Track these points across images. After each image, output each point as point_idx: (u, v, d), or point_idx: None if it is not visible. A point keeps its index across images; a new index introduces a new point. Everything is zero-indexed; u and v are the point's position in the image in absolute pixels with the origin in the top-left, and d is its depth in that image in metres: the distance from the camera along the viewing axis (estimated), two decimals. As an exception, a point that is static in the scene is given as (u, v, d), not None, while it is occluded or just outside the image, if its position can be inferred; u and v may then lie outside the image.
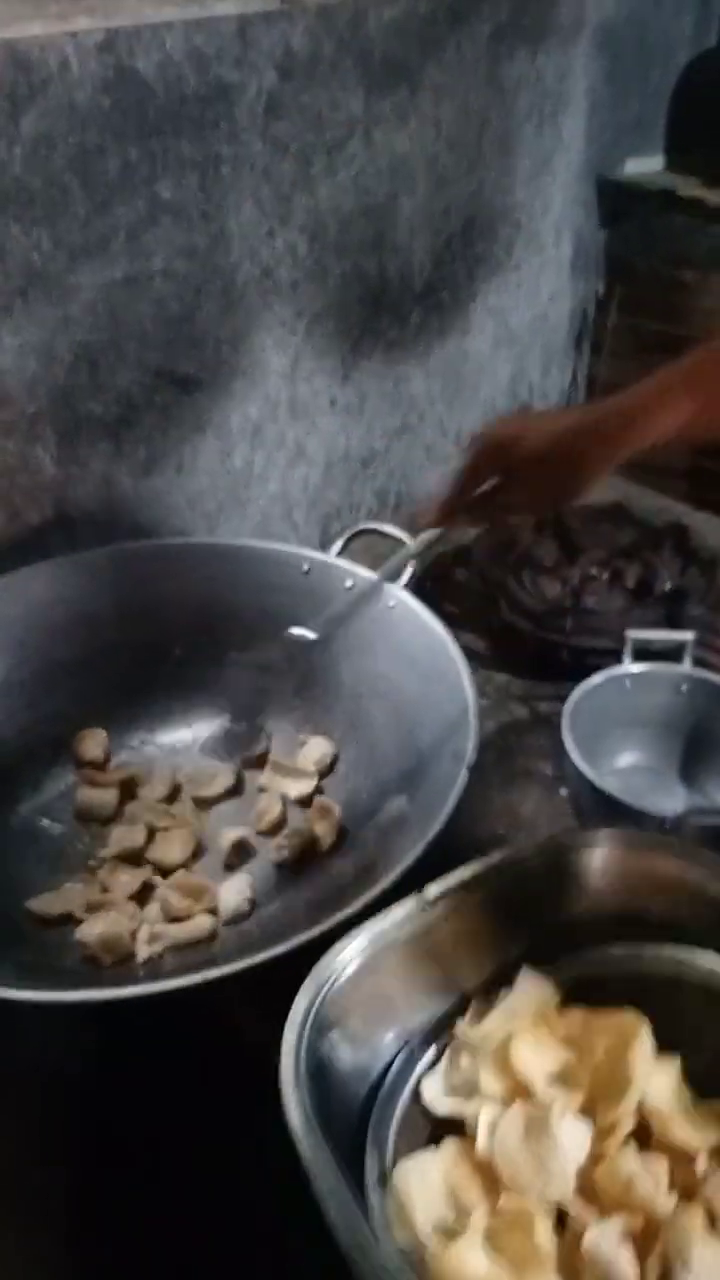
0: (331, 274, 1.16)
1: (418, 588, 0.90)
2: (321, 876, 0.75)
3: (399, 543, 0.90)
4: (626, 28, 1.43)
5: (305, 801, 0.82)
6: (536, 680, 1.07)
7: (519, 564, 1.17)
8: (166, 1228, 0.59)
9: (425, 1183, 0.47)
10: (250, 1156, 0.57)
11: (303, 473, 1.25)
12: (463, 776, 0.66)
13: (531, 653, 1.08)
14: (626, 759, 0.98)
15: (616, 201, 1.51)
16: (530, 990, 0.55)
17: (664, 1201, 0.45)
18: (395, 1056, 0.54)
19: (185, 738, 0.91)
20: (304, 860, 0.76)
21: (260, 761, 0.86)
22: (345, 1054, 0.50)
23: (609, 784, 0.83)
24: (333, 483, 1.30)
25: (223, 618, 0.91)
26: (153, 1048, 0.66)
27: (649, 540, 1.19)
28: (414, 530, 0.84)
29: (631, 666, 0.96)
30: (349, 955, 0.51)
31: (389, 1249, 0.43)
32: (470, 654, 1.10)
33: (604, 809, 0.83)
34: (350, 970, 0.50)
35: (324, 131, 1.08)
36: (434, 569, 1.24)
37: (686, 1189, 0.47)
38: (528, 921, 0.57)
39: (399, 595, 0.84)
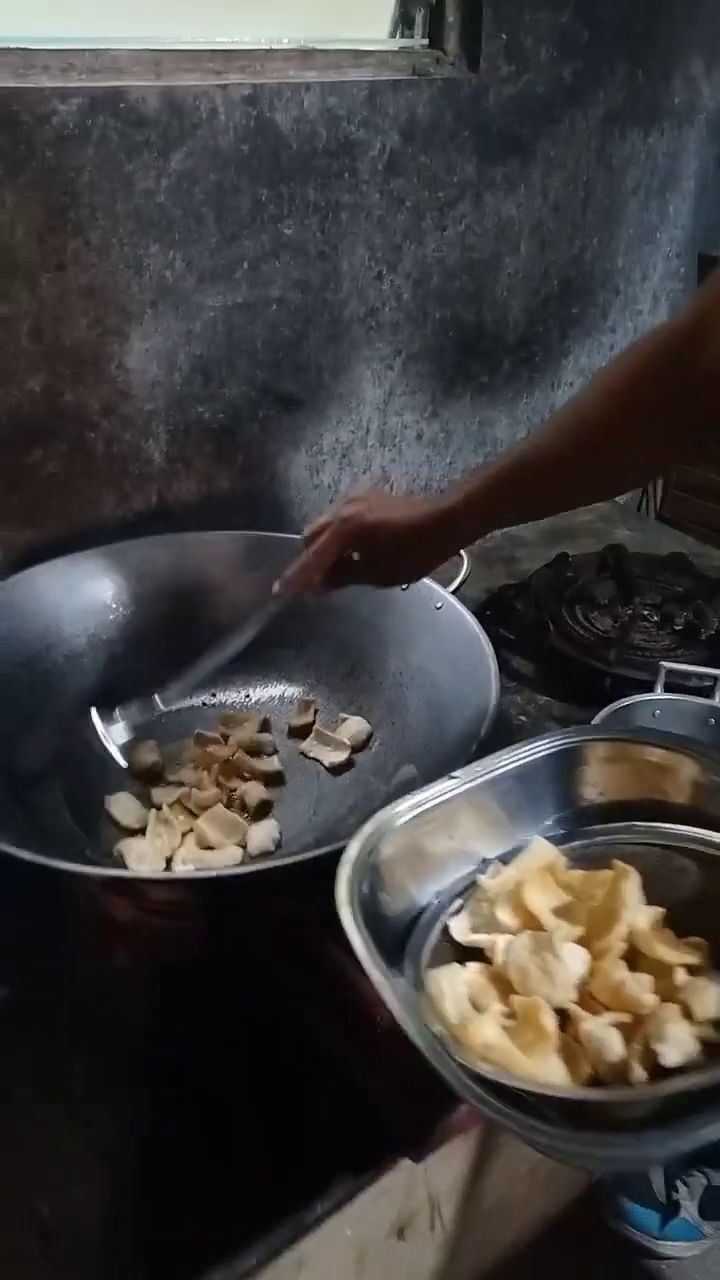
0: (431, 319, 1.27)
1: (479, 613, 0.99)
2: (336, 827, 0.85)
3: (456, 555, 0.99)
4: (741, 118, 1.52)
5: (337, 769, 0.91)
6: (578, 706, 1.13)
7: (574, 598, 1.24)
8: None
9: (452, 985, 0.56)
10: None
11: (386, 496, 1.35)
12: (473, 751, 0.74)
13: (575, 678, 1.14)
14: (650, 784, 1.04)
15: (716, 278, 1.59)
16: (539, 852, 0.64)
17: (647, 1000, 0.54)
18: (429, 906, 0.64)
19: (245, 702, 1.01)
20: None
21: (304, 732, 0.96)
22: (386, 897, 0.61)
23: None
24: (413, 509, 1.39)
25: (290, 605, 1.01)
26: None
27: (704, 590, 1.26)
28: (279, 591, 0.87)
29: (661, 695, 1.02)
30: (389, 818, 0.62)
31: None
32: (520, 677, 1.19)
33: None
34: (391, 830, 0.61)
35: (438, 190, 1.19)
36: (496, 598, 1.32)
37: (666, 994, 0.55)
38: (539, 804, 0.67)
39: (446, 597, 0.93)
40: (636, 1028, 0.53)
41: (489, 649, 0.87)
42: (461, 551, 1.00)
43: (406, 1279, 0.86)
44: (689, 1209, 1.05)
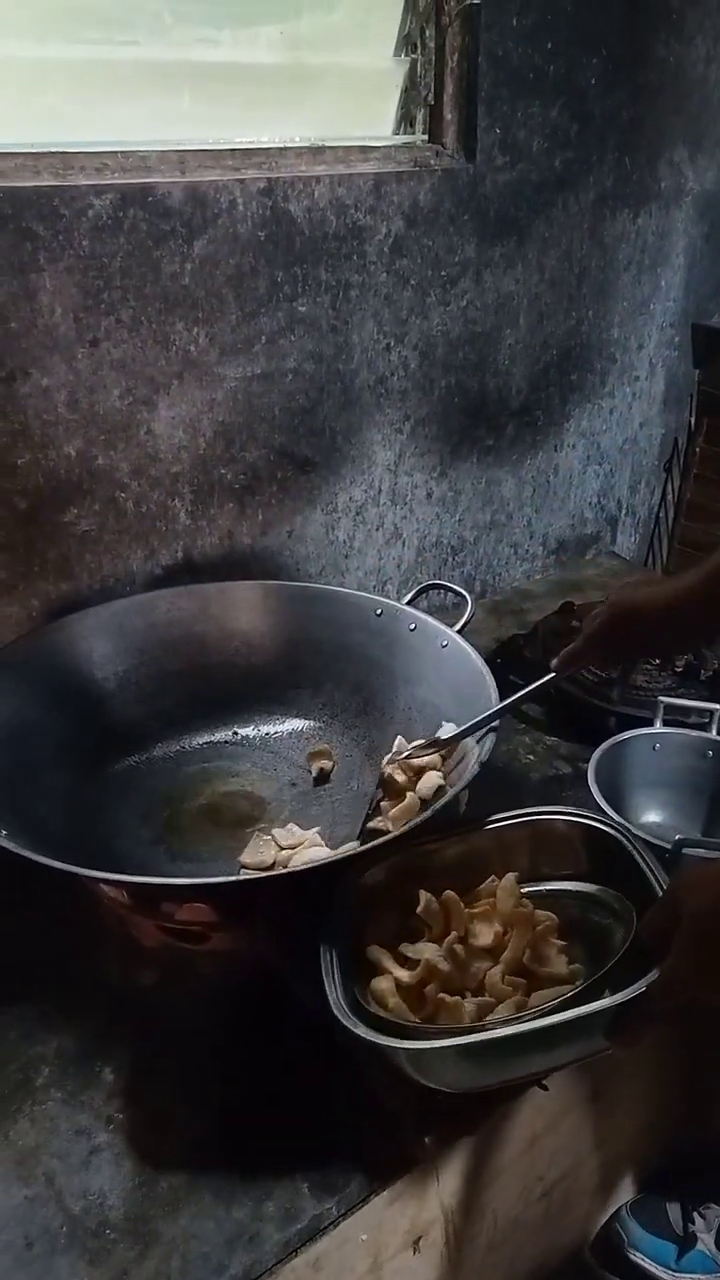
0: (437, 386, 1.36)
1: (489, 661, 1.05)
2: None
3: (461, 595, 1.06)
4: (727, 199, 1.63)
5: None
6: (583, 744, 1.18)
7: (579, 643, 1.30)
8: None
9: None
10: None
11: (397, 552, 1.43)
12: (473, 770, 0.80)
13: (581, 719, 1.20)
14: (653, 816, 1.08)
15: (710, 345, 1.68)
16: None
17: (504, 991, 0.73)
18: None
19: (264, 737, 1.08)
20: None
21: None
22: None
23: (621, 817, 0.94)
24: (424, 565, 1.47)
25: (306, 648, 1.08)
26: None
27: (704, 635, 1.31)
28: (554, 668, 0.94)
29: (660, 729, 1.07)
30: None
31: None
32: (529, 720, 1.25)
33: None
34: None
35: (440, 269, 1.29)
36: (505, 646, 1.38)
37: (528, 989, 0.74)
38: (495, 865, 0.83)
39: (451, 636, 1.00)
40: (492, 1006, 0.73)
41: (490, 679, 0.92)
42: (466, 595, 1.06)
43: (423, 1296, 0.87)
44: (706, 1241, 1.05)
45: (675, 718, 1.10)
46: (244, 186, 1.08)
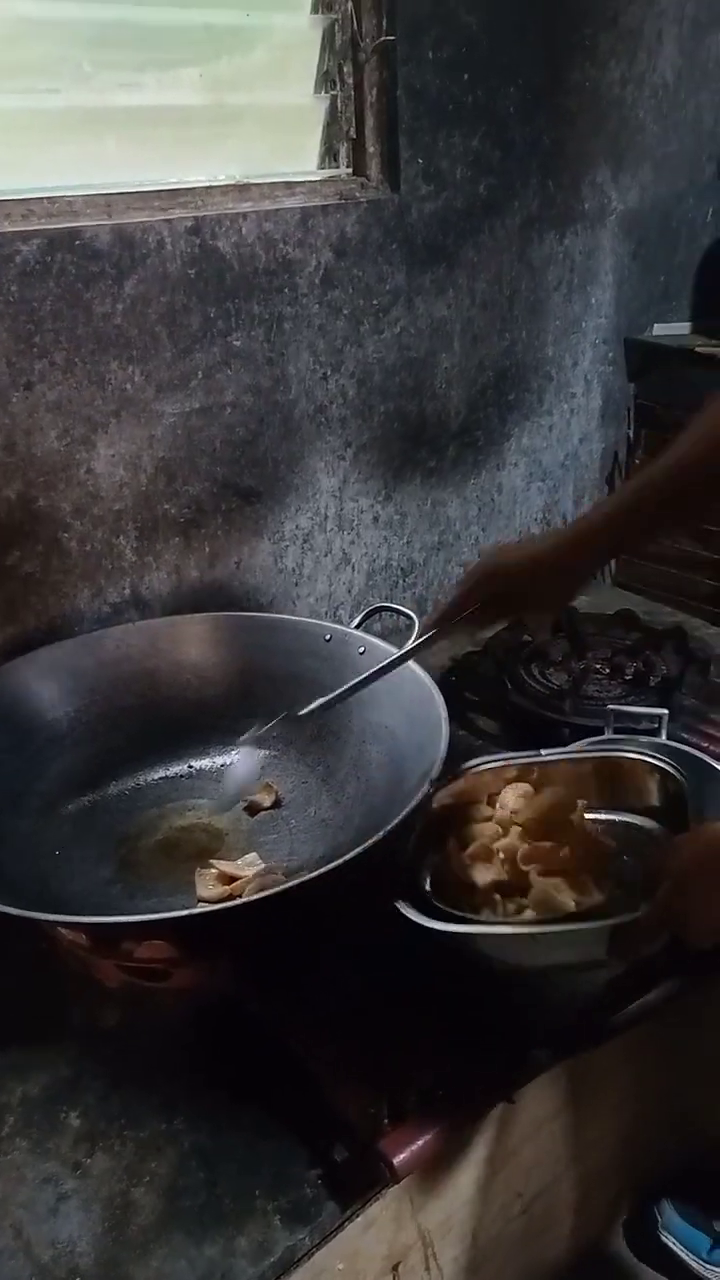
0: (376, 413, 1.38)
1: (443, 679, 1.06)
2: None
3: (409, 618, 1.07)
4: (651, 215, 1.66)
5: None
6: (538, 757, 1.19)
7: (530, 658, 1.32)
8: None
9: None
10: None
11: (348, 577, 1.44)
12: (425, 789, 0.80)
13: (535, 731, 1.20)
14: (609, 822, 1.09)
15: (644, 358, 1.71)
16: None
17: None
18: None
19: (218, 769, 1.07)
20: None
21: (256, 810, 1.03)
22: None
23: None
24: (375, 588, 1.48)
25: (258, 677, 1.09)
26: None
27: (652, 641, 1.33)
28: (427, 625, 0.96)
29: (611, 737, 1.08)
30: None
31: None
32: (485, 734, 1.26)
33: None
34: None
35: (372, 298, 1.31)
36: (459, 664, 1.40)
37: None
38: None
39: (401, 657, 1.00)
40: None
41: (439, 698, 0.93)
42: (414, 616, 1.07)
43: (406, 1323, 0.87)
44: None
45: (626, 724, 1.11)
46: (171, 226, 1.10)
